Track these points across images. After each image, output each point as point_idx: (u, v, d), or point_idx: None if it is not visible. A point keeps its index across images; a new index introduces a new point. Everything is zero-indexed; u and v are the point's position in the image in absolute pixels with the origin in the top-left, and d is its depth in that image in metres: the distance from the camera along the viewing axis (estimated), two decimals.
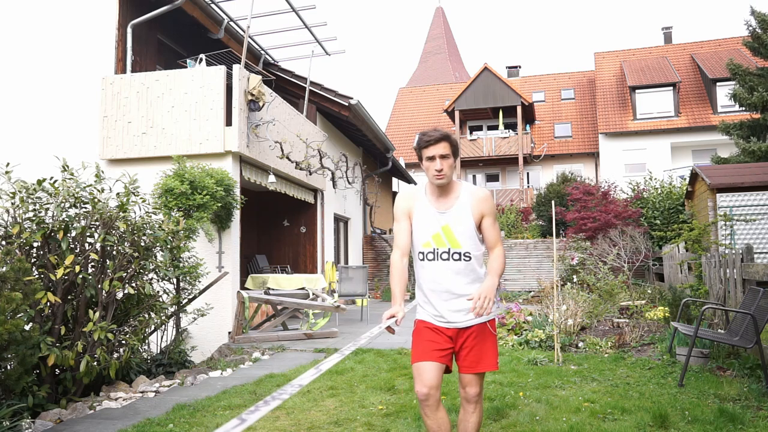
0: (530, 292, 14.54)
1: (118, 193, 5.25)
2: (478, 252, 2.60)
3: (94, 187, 5.06)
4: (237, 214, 8.03)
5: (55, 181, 4.89)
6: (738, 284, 5.52)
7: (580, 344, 6.38)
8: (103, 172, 5.24)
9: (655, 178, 16.94)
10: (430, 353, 2.51)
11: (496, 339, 2.63)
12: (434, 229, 2.57)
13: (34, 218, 4.70)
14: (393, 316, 2.45)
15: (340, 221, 14.44)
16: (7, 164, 4.79)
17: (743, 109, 16.00)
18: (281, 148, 8.92)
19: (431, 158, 2.52)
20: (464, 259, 2.55)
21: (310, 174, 10.35)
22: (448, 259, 2.54)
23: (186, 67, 9.19)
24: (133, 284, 5.09)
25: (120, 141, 8.16)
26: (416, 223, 2.62)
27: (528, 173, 26.39)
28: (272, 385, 4.93)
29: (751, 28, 15.55)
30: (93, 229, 4.95)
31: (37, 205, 4.77)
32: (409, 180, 20.31)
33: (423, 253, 2.60)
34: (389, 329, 2.46)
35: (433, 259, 2.57)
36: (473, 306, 2.33)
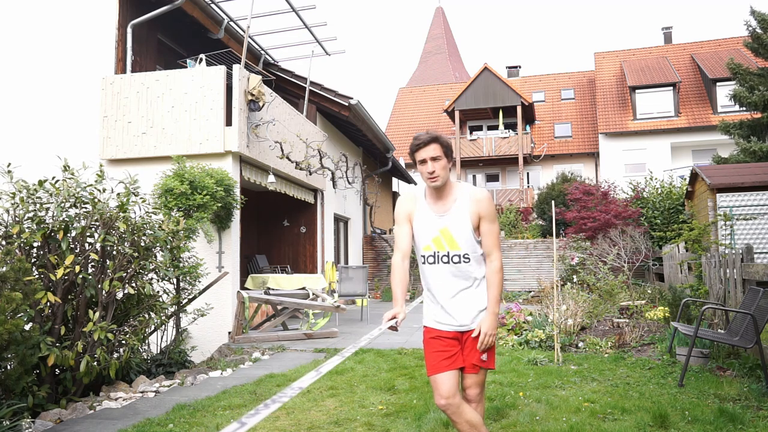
0: (530, 292, 14.53)
1: (118, 194, 5.25)
2: (477, 254, 2.60)
3: (95, 187, 5.06)
4: (237, 214, 8.03)
5: (56, 181, 4.89)
6: (738, 284, 5.52)
7: (580, 344, 6.38)
8: (104, 172, 5.25)
9: (655, 178, 16.91)
10: (440, 364, 2.54)
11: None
12: (433, 233, 2.58)
13: (34, 218, 4.71)
14: (394, 317, 2.48)
15: (340, 221, 14.44)
16: (9, 164, 4.80)
17: (743, 109, 15.99)
18: (281, 148, 8.92)
19: (423, 161, 2.53)
20: (464, 262, 2.56)
21: (310, 174, 10.35)
22: (448, 262, 2.56)
23: (186, 67, 9.19)
24: (133, 284, 5.09)
25: (120, 141, 8.16)
26: (416, 227, 2.63)
27: (528, 173, 26.39)
28: (272, 385, 4.93)
29: (751, 28, 15.51)
30: (93, 229, 4.95)
31: (38, 205, 4.77)
32: (409, 180, 20.30)
33: (424, 256, 2.62)
34: (392, 328, 2.49)
35: (434, 263, 2.59)
36: (479, 344, 2.52)
